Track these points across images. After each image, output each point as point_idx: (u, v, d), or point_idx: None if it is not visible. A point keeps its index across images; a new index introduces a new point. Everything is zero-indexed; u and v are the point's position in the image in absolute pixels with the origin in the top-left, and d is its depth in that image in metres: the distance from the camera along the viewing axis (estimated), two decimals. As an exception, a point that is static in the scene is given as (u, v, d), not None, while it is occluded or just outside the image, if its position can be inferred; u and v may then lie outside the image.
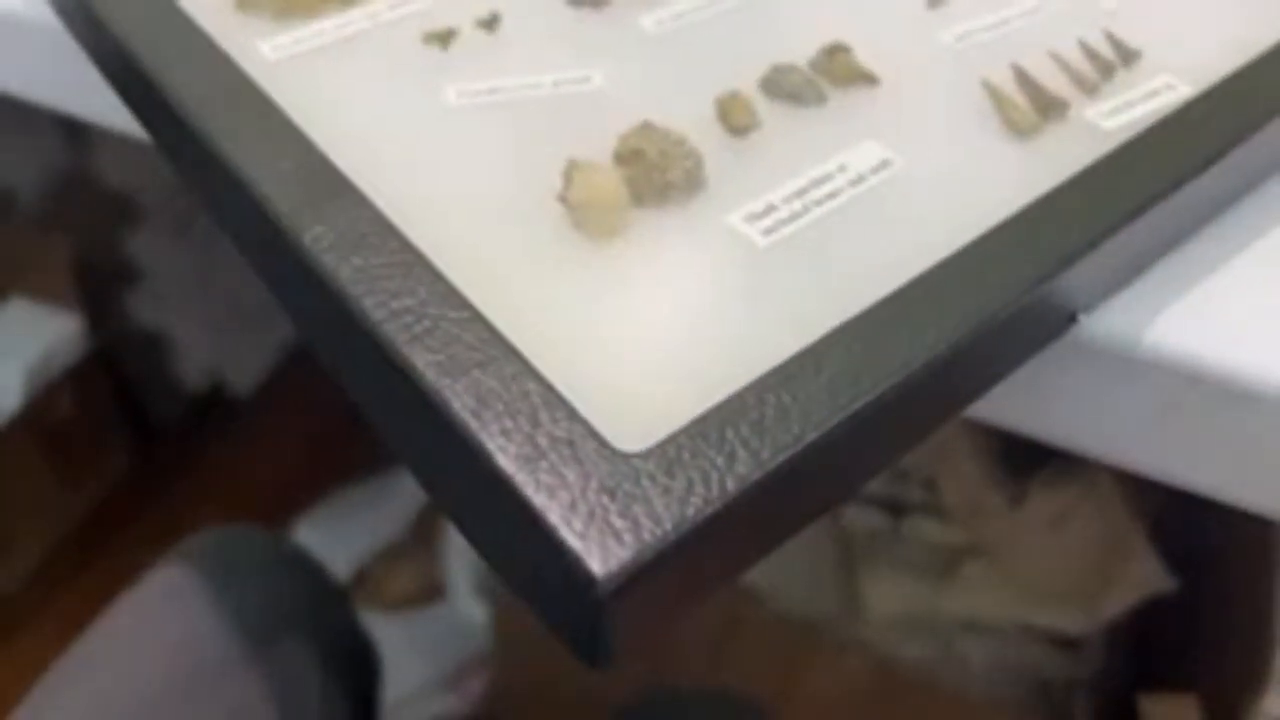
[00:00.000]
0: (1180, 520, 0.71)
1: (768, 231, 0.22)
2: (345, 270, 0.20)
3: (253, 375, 1.15)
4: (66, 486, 1.01)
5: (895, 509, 0.70)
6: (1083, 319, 0.23)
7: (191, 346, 1.08)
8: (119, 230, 1.00)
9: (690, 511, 0.17)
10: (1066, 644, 0.67)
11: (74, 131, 0.94)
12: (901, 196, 0.23)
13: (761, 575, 0.68)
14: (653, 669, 0.63)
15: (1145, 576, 0.66)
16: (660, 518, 0.17)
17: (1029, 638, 0.67)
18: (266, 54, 0.26)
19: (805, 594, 0.68)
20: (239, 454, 1.10)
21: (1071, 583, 0.67)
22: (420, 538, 0.98)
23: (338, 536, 0.97)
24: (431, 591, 0.95)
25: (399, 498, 1.02)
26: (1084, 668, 0.67)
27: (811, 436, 0.18)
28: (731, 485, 0.17)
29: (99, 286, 0.98)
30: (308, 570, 0.53)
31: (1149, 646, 0.69)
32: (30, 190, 0.95)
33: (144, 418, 1.08)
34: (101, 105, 0.35)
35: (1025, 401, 0.25)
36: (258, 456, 1.10)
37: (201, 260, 1.06)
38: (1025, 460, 0.71)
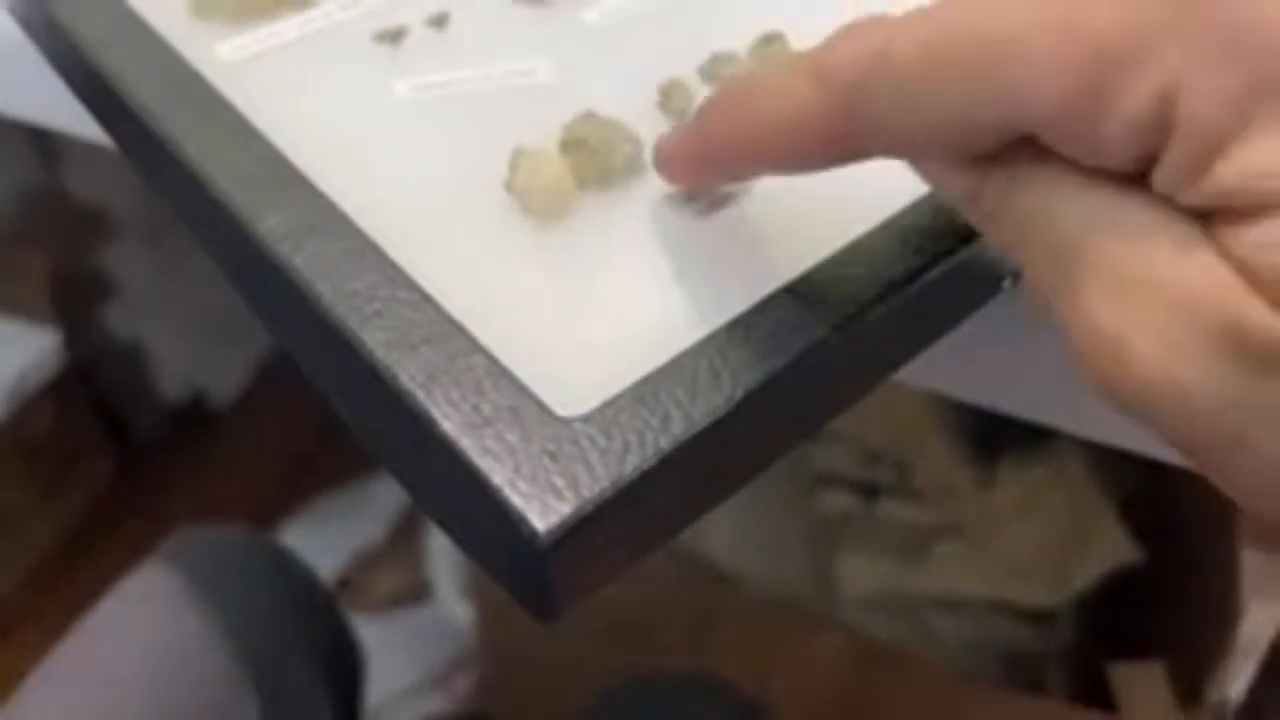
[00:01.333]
0: (1147, 495, 0.73)
1: (703, 212, 0.23)
2: (299, 258, 0.21)
3: (231, 385, 1.15)
4: (47, 501, 1.01)
5: (868, 491, 0.71)
6: (1008, 285, 0.25)
7: (169, 358, 1.08)
8: (93, 245, 1.00)
9: (627, 469, 0.18)
10: (1038, 617, 0.69)
11: (45, 148, 0.94)
12: (833, 174, 0.24)
13: (738, 559, 0.69)
14: (635, 658, 0.64)
15: (1113, 548, 0.68)
16: (598, 475, 0.18)
17: (1001, 613, 0.69)
18: (223, 56, 0.27)
19: (781, 576, 0.69)
20: (219, 464, 1.11)
21: (1042, 559, 0.69)
22: (402, 540, 0.99)
23: (320, 542, 0.98)
24: (416, 592, 0.95)
25: (380, 502, 1.03)
26: (1055, 640, 0.69)
27: (740, 396, 0.19)
28: (665, 443, 0.18)
29: (75, 301, 0.98)
30: (291, 569, 0.54)
31: (1118, 617, 0.70)
32: (2, 208, 0.95)
33: (124, 430, 1.08)
34: (67, 114, 0.36)
35: (959, 368, 0.27)
36: (238, 465, 1.10)
37: (176, 272, 1.06)
38: (995, 441, 0.73)
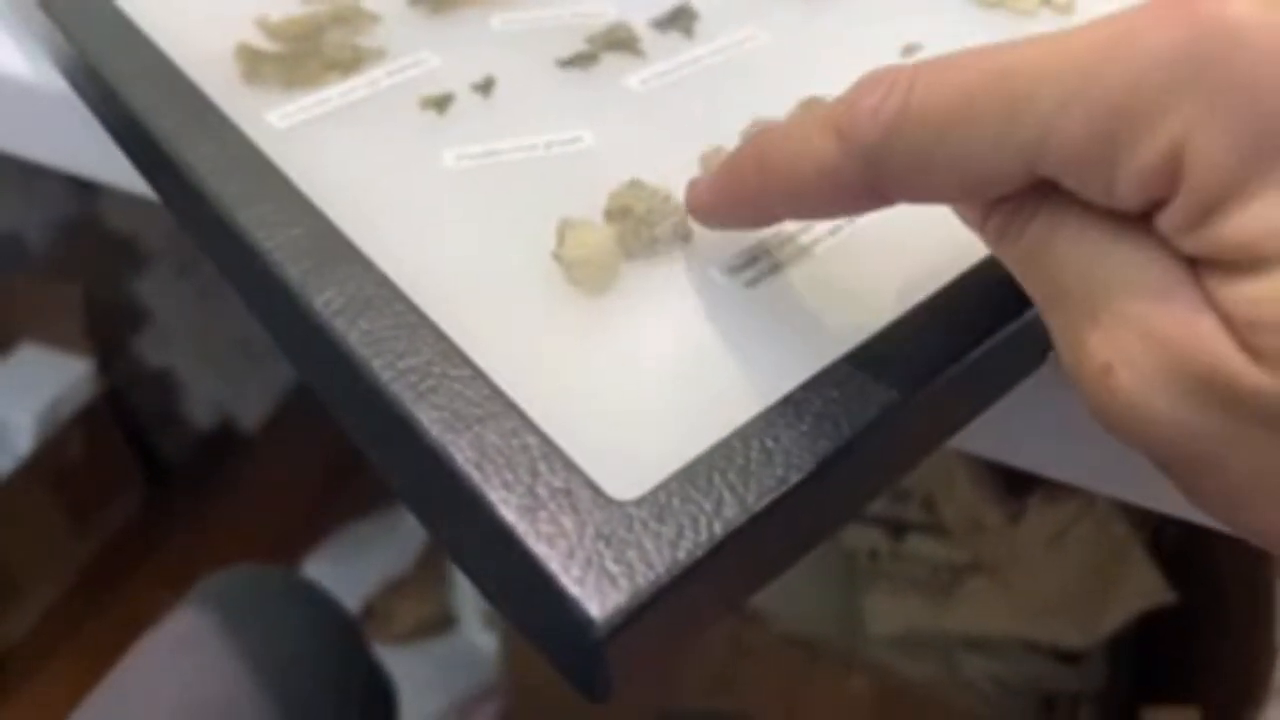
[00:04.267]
0: (1178, 531, 0.72)
1: (751, 283, 0.23)
2: (354, 333, 0.21)
3: (259, 411, 1.16)
4: (78, 528, 1.02)
5: (896, 528, 0.71)
6: (1054, 354, 0.25)
7: (198, 385, 1.10)
8: (126, 274, 1.01)
9: (681, 555, 0.18)
10: (1068, 658, 0.68)
11: (79, 179, 0.95)
12: (878, 243, 0.24)
13: (765, 597, 0.69)
14: (661, 695, 0.64)
15: (1145, 589, 0.67)
16: (653, 562, 0.18)
17: (1031, 653, 0.68)
18: (274, 123, 0.27)
19: (808, 614, 0.69)
20: (247, 490, 1.11)
21: (1072, 597, 0.68)
22: (428, 569, 0.99)
23: (346, 571, 0.98)
24: (441, 622, 0.96)
25: (406, 531, 1.03)
26: (1086, 681, 0.68)
27: (794, 479, 0.19)
28: (719, 529, 0.18)
29: (108, 329, 0.99)
30: (320, 606, 0.54)
31: (1151, 659, 0.70)
32: (39, 237, 0.97)
33: (153, 457, 1.09)
34: (114, 168, 0.36)
35: (999, 431, 0.27)
36: (266, 492, 1.11)
37: (206, 300, 1.07)
38: (1023, 477, 0.72)
